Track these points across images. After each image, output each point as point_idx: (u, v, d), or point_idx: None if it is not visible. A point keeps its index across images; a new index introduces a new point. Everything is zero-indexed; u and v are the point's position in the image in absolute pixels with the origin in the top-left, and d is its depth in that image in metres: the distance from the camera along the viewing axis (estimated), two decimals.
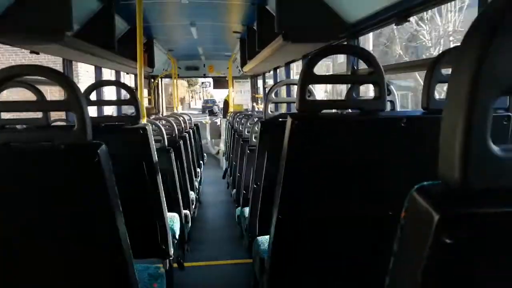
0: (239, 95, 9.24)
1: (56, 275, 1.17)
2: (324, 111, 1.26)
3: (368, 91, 3.41)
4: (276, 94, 3.78)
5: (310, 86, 1.23)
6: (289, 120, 1.20)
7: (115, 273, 1.12)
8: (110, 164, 1.05)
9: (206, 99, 29.96)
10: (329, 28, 2.77)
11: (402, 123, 1.20)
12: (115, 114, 5.29)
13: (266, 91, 7.69)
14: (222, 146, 7.65)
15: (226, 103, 9.23)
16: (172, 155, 2.54)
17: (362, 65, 2.76)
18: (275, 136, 1.99)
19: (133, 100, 1.80)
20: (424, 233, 0.44)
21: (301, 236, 1.32)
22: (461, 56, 0.43)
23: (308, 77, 1.21)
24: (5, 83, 1.01)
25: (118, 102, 2.61)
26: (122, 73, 5.64)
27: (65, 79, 1.01)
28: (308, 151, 1.22)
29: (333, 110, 1.40)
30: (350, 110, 1.40)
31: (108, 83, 2.41)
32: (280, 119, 2.07)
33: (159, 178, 1.94)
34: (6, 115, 1.87)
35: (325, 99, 1.27)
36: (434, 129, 1.25)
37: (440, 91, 1.36)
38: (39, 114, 1.70)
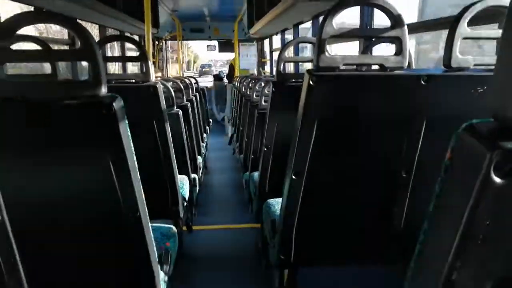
0: (244, 59, 9.05)
1: (77, 232, 1.18)
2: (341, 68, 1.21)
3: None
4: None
5: (327, 46, 1.18)
6: (306, 77, 1.15)
7: (133, 229, 1.13)
8: (126, 117, 1.03)
9: (203, 64, 30.01)
10: None
11: (422, 81, 1.15)
12: None
13: (273, 55, 7.57)
14: (227, 112, 7.59)
15: (231, 67, 9.06)
16: (181, 117, 2.51)
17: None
18: (287, 97, 1.95)
19: (143, 58, 1.75)
20: (474, 172, 0.42)
21: (314, 196, 1.32)
22: None
23: (328, 30, 1.15)
24: (21, 28, 0.97)
25: (128, 59, 2.54)
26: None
27: (79, 27, 0.96)
28: (326, 109, 1.19)
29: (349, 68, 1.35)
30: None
31: (118, 38, 2.34)
32: (293, 80, 2.02)
33: (170, 139, 1.92)
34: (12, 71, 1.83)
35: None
36: (456, 87, 1.21)
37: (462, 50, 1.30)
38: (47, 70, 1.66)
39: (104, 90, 1.00)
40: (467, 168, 0.46)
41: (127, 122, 1.04)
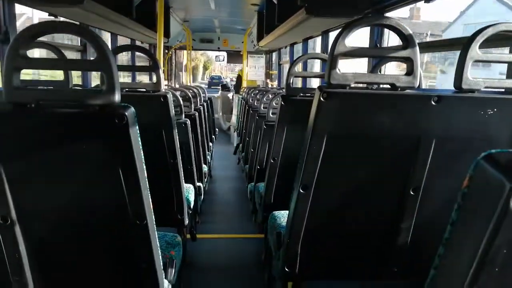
0: (252, 71, 9.13)
1: (83, 237, 1.19)
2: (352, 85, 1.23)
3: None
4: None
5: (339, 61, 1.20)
6: (317, 93, 1.17)
7: (139, 236, 1.13)
8: (137, 127, 1.04)
9: (212, 76, 30.59)
10: (354, 2, 2.68)
11: (433, 101, 1.16)
12: None
13: (281, 68, 7.62)
14: (233, 122, 7.63)
15: (239, 78, 9.14)
16: (189, 126, 2.53)
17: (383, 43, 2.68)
18: (296, 111, 1.96)
19: (155, 67, 1.78)
20: (492, 201, 0.43)
21: (321, 210, 1.32)
22: None
23: (340, 48, 1.17)
24: (37, 38, 0.99)
25: (141, 68, 2.58)
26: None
27: (96, 38, 0.99)
28: (335, 125, 1.20)
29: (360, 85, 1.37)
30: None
31: (130, 48, 2.38)
32: (302, 94, 2.04)
33: (178, 147, 1.94)
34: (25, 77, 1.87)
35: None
36: (466, 108, 1.22)
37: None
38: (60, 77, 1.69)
39: (117, 99, 1.02)
40: (485, 197, 0.47)
41: (138, 131, 1.06)
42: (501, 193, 0.42)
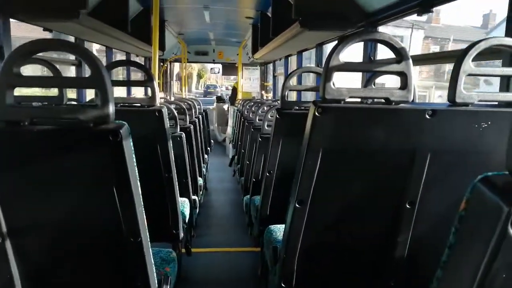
0: (247, 82, 9.19)
1: (77, 255, 1.17)
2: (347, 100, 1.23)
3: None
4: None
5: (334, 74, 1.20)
6: (312, 108, 1.17)
7: (133, 254, 1.12)
8: (131, 143, 1.04)
9: (208, 85, 30.51)
10: (348, 16, 2.71)
11: (427, 115, 1.17)
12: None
13: (276, 80, 7.66)
14: (229, 133, 7.63)
15: (234, 90, 9.17)
16: (184, 139, 2.53)
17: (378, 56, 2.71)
18: (291, 124, 1.97)
19: (150, 82, 1.78)
20: (490, 225, 0.42)
21: (318, 225, 1.31)
22: None
23: (334, 63, 1.18)
24: (31, 56, 0.99)
25: (136, 83, 2.59)
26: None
27: (90, 55, 0.99)
28: (330, 139, 1.20)
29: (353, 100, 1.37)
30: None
31: (124, 63, 2.38)
32: (297, 107, 2.04)
33: (173, 161, 1.93)
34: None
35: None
36: (460, 121, 1.22)
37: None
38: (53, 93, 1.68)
39: (111, 117, 1.01)
40: (482, 220, 0.47)
41: (133, 148, 1.05)
42: (499, 216, 0.42)
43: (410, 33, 21.46)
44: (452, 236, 0.51)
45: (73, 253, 1.17)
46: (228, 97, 9.91)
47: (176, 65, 10.07)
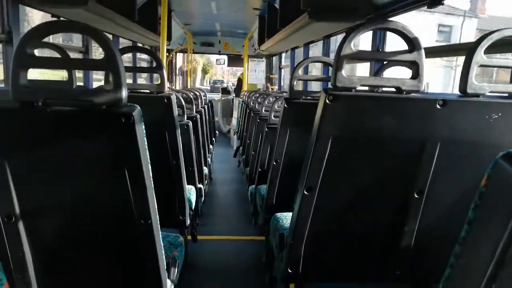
0: (253, 74, 9.17)
1: (87, 237, 1.19)
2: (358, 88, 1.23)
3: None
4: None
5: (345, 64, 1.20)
6: (323, 95, 1.18)
7: (143, 236, 1.13)
8: (143, 127, 1.05)
9: (215, 80, 30.42)
10: (357, 8, 2.70)
11: (438, 105, 1.17)
12: None
13: (281, 72, 7.63)
14: (233, 125, 7.64)
15: (240, 81, 9.16)
16: (191, 128, 2.54)
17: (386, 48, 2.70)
18: (299, 113, 1.97)
19: (159, 68, 1.78)
20: (511, 200, 0.43)
21: (325, 212, 1.32)
22: None
23: (347, 51, 1.18)
24: (45, 37, 1.00)
25: (145, 69, 2.60)
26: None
27: (104, 38, 1.00)
28: (340, 127, 1.20)
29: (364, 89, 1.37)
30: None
31: (135, 49, 2.38)
32: (304, 97, 2.04)
33: (181, 149, 1.95)
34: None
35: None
36: (471, 112, 1.23)
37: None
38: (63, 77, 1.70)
39: (124, 100, 1.02)
40: (504, 195, 0.47)
41: (144, 131, 1.06)
42: None
43: (461, 22, 18.65)
44: (471, 212, 0.52)
45: (84, 234, 1.19)
46: (233, 88, 9.90)
47: (179, 59, 10.04)
